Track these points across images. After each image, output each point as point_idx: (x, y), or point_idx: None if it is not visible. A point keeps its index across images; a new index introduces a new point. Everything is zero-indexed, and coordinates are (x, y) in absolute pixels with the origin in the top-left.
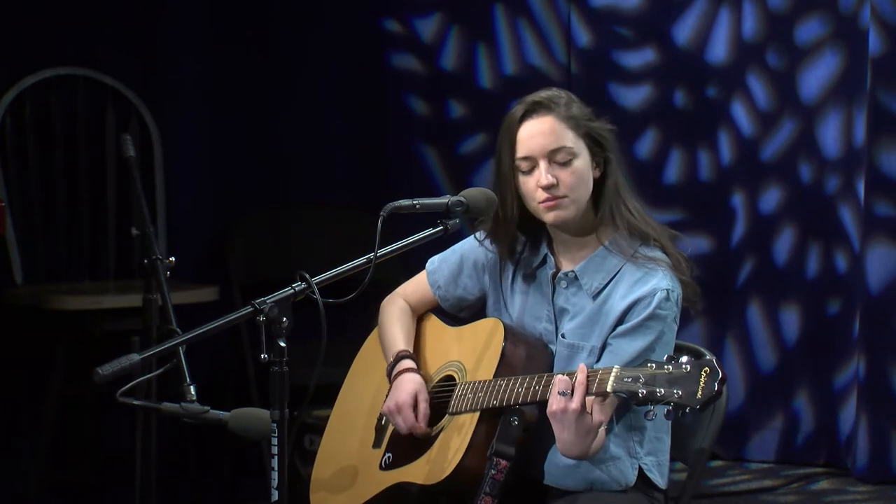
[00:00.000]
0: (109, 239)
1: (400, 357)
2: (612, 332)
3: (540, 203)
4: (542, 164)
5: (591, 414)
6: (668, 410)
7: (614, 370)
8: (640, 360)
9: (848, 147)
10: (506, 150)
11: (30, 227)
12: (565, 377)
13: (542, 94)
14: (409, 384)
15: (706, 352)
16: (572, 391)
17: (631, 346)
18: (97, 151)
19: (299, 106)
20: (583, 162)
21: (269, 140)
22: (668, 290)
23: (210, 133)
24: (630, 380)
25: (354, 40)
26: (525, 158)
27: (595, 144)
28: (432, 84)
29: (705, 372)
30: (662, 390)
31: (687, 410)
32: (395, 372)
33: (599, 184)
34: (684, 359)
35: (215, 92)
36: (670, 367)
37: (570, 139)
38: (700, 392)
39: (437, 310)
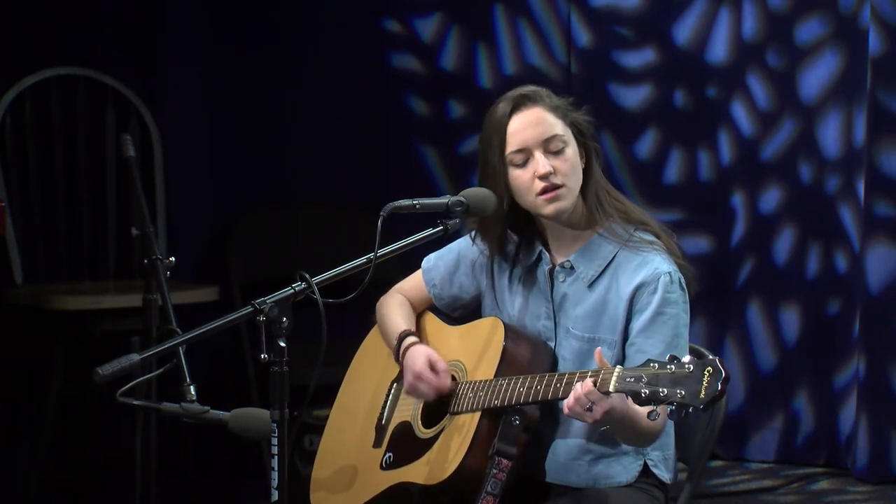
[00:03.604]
0: (109, 239)
1: (403, 336)
2: (626, 324)
3: (538, 195)
4: (538, 154)
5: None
6: (671, 410)
7: (617, 370)
8: (670, 350)
9: (848, 147)
10: (495, 146)
11: (30, 227)
12: (580, 395)
13: (526, 89)
14: (420, 353)
15: (707, 352)
16: (591, 405)
17: (657, 340)
18: (97, 151)
19: (299, 106)
20: (573, 150)
21: (269, 140)
22: (669, 272)
23: (210, 133)
24: (633, 379)
25: (354, 40)
26: (519, 151)
27: (579, 133)
28: (432, 84)
29: (708, 371)
30: (665, 390)
31: (690, 410)
32: (401, 350)
33: (586, 173)
34: (687, 358)
35: (215, 92)
36: (673, 366)
37: (560, 127)
38: (703, 392)
39: (433, 308)
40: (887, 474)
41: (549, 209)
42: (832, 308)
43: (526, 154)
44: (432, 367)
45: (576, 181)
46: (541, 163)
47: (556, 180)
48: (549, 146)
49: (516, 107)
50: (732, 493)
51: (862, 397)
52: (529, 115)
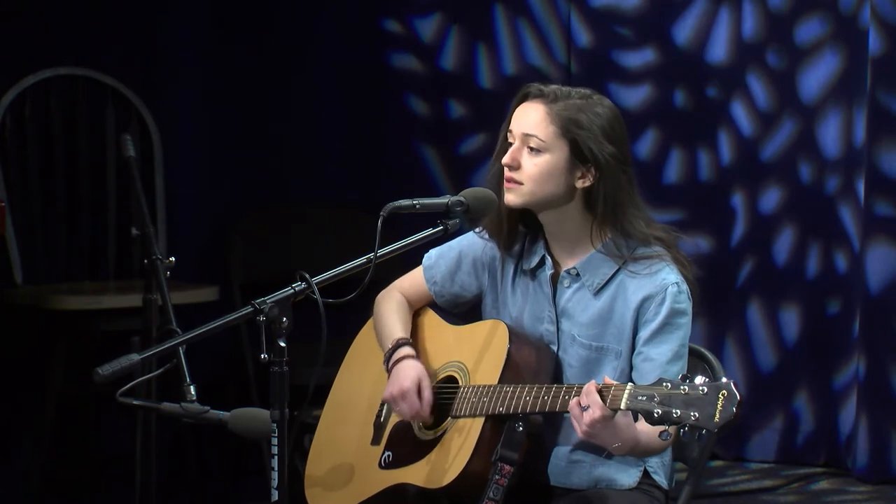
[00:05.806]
0: (109, 239)
1: (399, 344)
2: (633, 334)
3: (504, 181)
4: (516, 145)
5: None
6: (683, 432)
7: (628, 387)
8: (676, 358)
9: (848, 147)
10: (506, 120)
11: (30, 227)
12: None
13: (552, 86)
14: (412, 370)
15: (713, 358)
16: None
17: (665, 349)
18: (97, 151)
19: (299, 106)
20: (553, 160)
21: (269, 140)
22: (677, 282)
23: (210, 133)
24: (644, 398)
25: (354, 40)
26: (510, 132)
27: (578, 153)
28: (432, 84)
29: (723, 395)
30: (679, 412)
31: (703, 433)
32: (394, 359)
33: (588, 194)
34: (700, 380)
35: (215, 92)
36: (686, 388)
37: (548, 134)
38: (718, 416)
39: (434, 305)
40: (887, 474)
41: (505, 198)
42: (832, 308)
43: (513, 138)
44: (419, 391)
45: (540, 188)
46: (510, 151)
47: (515, 175)
48: (527, 142)
49: (528, 95)
50: (732, 493)
51: (862, 397)
52: (530, 106)
